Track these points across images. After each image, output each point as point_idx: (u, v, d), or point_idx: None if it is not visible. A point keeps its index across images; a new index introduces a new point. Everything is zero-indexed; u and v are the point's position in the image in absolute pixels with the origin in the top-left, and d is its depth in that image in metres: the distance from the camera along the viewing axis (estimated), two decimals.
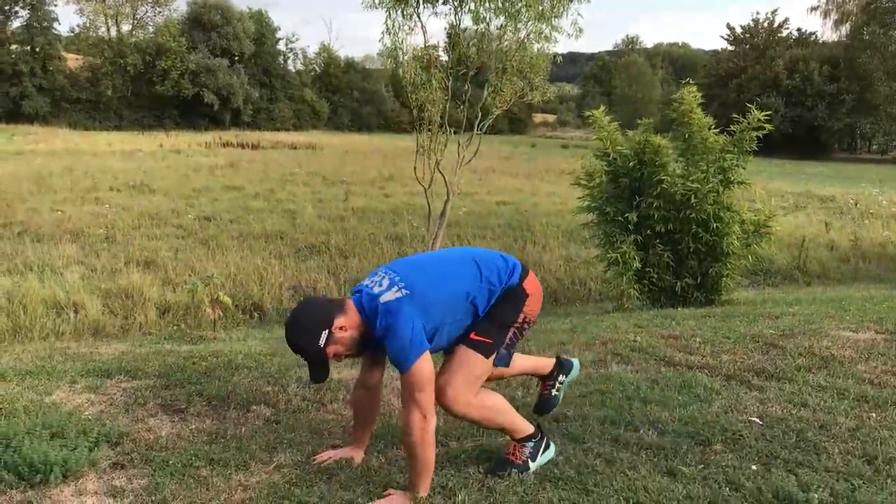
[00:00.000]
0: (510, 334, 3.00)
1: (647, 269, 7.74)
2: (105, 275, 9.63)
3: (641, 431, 3.45)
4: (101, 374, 4.26)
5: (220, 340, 6.24)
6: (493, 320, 2.96)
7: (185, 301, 8.42)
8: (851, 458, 3.15)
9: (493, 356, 2.94)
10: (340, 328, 2.81)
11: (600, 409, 3.74)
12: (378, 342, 2.85)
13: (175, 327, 7.60)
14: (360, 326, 2.85)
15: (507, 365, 3.05)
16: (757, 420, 3.59)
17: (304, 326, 2.82)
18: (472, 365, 2.91)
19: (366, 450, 3.24)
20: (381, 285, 2.88)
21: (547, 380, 3.43)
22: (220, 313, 8.05)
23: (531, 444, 3.05)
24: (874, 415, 3.67)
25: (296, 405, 3.81)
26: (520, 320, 3.02)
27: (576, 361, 3.51)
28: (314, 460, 3.15)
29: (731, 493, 2.86)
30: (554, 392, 3.42)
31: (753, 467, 3.07)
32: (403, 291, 2.82)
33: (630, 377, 4.27)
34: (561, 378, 3.43)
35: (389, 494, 2.84)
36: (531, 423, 3.13)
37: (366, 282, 2.96)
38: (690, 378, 4.22)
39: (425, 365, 2.76)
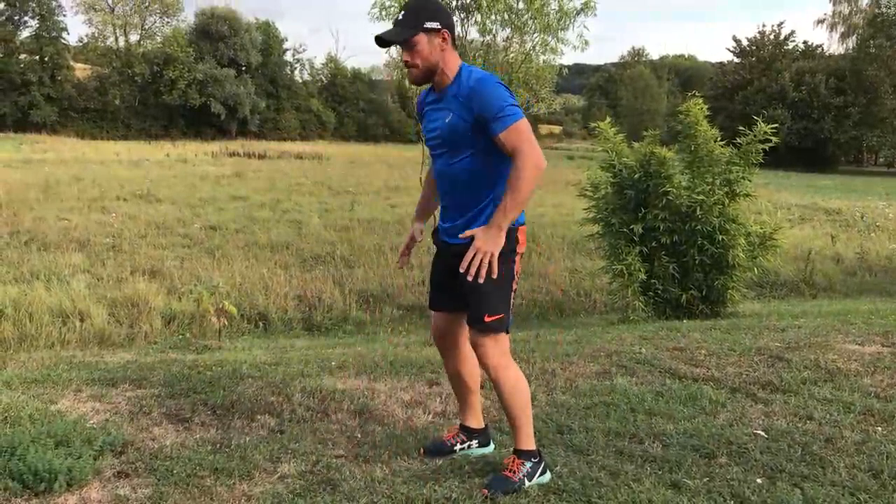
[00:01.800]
0: (511, 297, 3.00)
1: (653, 280, 7.73)
2: (111, 283, 9.66)
3: (646, 444, 3.44)
4: (107, 383, 4.27)
5: (225, 349, 6.26)
6: (497, 289, 2.89)
7: (191, 310, 8.45)
8: (857, 472, 3.14)
9: (508, 319, 2.97)
10: (444, 39, 2.84)
11: (605, 420, 3.73)
12: (448, 108, 2.87)
13: (180, 336, 7.62)
14: (450, 65, 2.88)
15: (510, 326, 3.02)
16: (762, 433, 3.58)
17: (437, 6, 2.85)
18: (496, 339, 2.94)
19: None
20: None
21: (463, 432, 3.37)
22: (226, 322, 8.08)
23: (530, 463, 3.00)
24: (880, 428, 3.65)
25: (300, 415, 3.81)
26: (515, 280, 3.00)
27: (492, 446, 3.39)
28: (400, 266, 3.33)
29: None
30: (458, 447, 3.33)
31: (759, 481, 3.06)
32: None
33: (635, 389, 4.26)
34: (475, 444, 3.36)
35: (477, 248, 2.73)
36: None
37: None
38: (695, 390, 4.21)
39: (527, 123, 2.76)
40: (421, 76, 2.90)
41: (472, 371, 3.27)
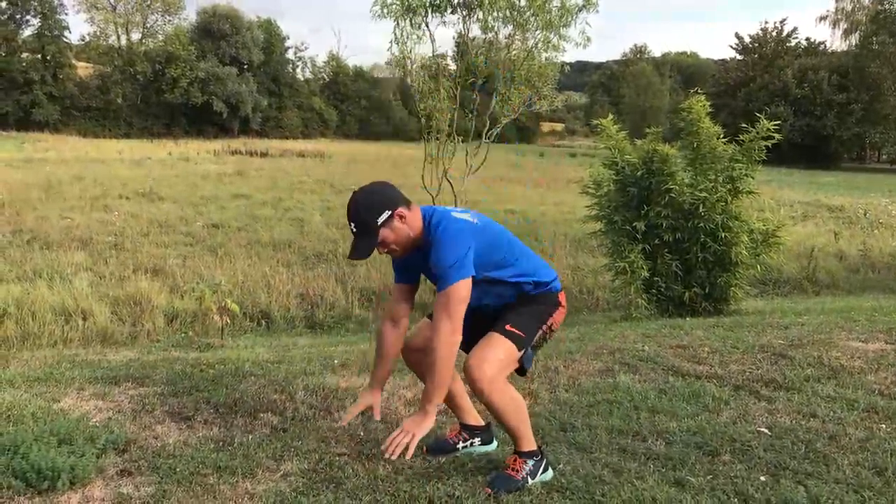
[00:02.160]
0: (539, 335, 3.04)
1: (655, 278, 7.72)
2: (113, 282, 9.66)
3: (649, 441, 3.44)
4: (109, 381, 4.27)
5: (227, 348, 6.26)
6: (529, 315, 3.02)
7: (193, 308, 8.45)
8: (861, 470, 3.13)
9: (523, 352, 2.97)
10: (401, 217, 2.88)
11: (608, 418, 3.73)
12: (427, 254, 2.91)
13: (183, 334, 7.62)
14: (417, 229, 2.93)
15: (529, 365, 3.05)
16: (765, 430, 3.57)
17: (373, 199, 2.89)
18: (503, 350, 2.93)
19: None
20: (457, 211, 3.02)
21: (465, 430, 3.39)
22: (228, 320, 8.08)
23: (532, 461, 3.00)
24: (884, 426, 3.65)
25: (303, 413, 3.80)
26: (548, 323, 3.08)
27: (495, 443, 3.42)
28: (341, 423, 3.22)
29: (739, 503, 2.84)
30: (461, 445, 3.36)
31: (762, 478, 3.05)
32: (476, 221, 2.96)
33: (638, 387, 4.26)
34: (477, 442, 3.38)
35: (400, 429, 2.83)
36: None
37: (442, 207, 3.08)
38: (698, 388, 4.20)
39: (466, 285, 2.82)
40: (404, 252, 2.99)
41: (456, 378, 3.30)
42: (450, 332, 2.79)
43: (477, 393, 2.90)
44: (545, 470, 3.03)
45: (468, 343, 2.97)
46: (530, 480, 2.96)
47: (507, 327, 2.96)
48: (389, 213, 2.85)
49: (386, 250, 2.94)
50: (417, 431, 2.81)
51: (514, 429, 3.00)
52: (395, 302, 3.21)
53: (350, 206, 2.90)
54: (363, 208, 2.87)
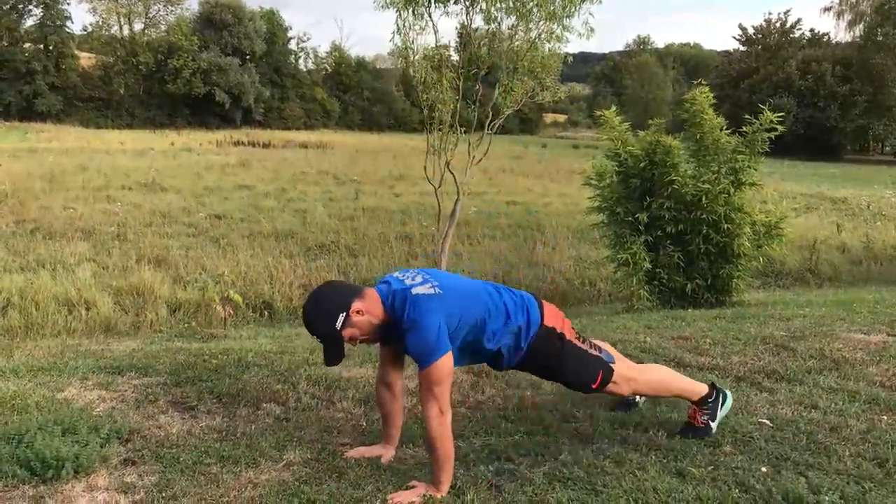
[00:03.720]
0: (585, 347, 3.21)
1: (658, 269, 7.72)
2: (116, 272, 9.68)
3: (651, 432, 3.44)
4: (113, 371, 4.28)
5: (230, 338, 6.27)
6: (567, 362, 3.18)
7: (196, 299, 8.46)
8: (862, 461, 3.14)
9: (606, 367, 3.18)
10: (357, 312, 2.87)
11: (610, 409, 3.74)
12: (400, 335, 2.90)
13: (186, 325, 7.64)
14: (379, 314, 2.92)
15: (611, 359, 3.20)
16: (767, 422, 3.58)
17: (323, 308, 2.89)
18: (617, 376, 3.24)
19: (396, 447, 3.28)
20: (413, 280, 2.97)
21: (697, 404, 3.42)
22: (231, 311, 8.09)
23: (707, 404, 3.31)
24: (885, 417, 3.65)
25: (306, 403, 3.82)
26: (570, 340, 3.19)
27: (728, 394, 3.51)
28: (345, 455, 3.17)
29: (740, 494, 2.85)
30: (710, 421, 3.40)
31: (763, 469, 3.06)
32: (437, 290, 2.91)
33: None
34: (710, 405, 3.41)
35: (413, 486, 2.87)
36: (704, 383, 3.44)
37: (395, 275, 3.04)
38: (701, 379, 4.19)
39: (446, 362, 2.82)
40: (376, 336, 3.00)
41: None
42: (438, 414, 2.83)
43: (642, 393, 3.45)
44: (724, 402, 3.38)
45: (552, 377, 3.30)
46: (713, 424, 3.33)
47: (594, 386, 3.21)
48: (344, 314, 2.85)
49: (358, 342, 2.96)
50: (416, 499, 2.81)
51: (675, 395, 3.40)
52: (384, 365, 3.23)
53: (305, 322, 2.94)
54: (318, 320, 2.89)
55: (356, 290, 2.95)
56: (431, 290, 2.90)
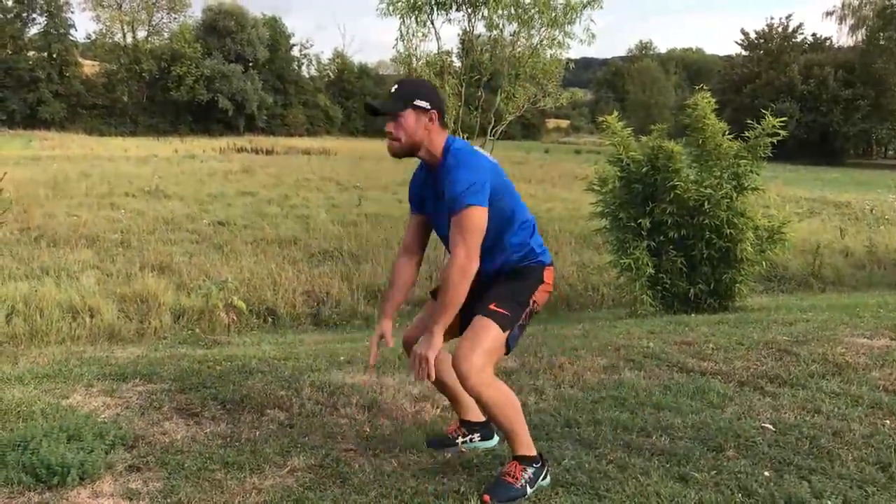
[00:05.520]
0: (524, 315, 2.98)
1: (661, 275, 7.72)
2: (120, 279, 9.70)
3: (654, 437, 3.45)
4: (117, 378, 4.30)
5: (234, 345, 6.29)
6: (513, 293, 2.96)
7: (200, 305, 8.48)
8: (865, 465, 3.14)
9: (509, 332, 2.90)
10: (430, 119, 2.89)
11: (613, 414, 3.74)
12: (434, 186, 2.93)
13: (189, 331, 7.66)
14: (434, 144, 2.93)
15: (514, 345, 2.97)
16: (770, 426, 3.58)
17: (425, 87, 2.96)
18: (489, 334, 2.85)
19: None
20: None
21: (464, 426, 3.38)
22: (235, 318, 8.12)
23: (533, 468, 2.92)
24: (888, 422, 3.65)
25: (309, 409, 3.83)
26: (532, 301, 3.01)
27: (496, 438, 3.40)
28: (368, 368, 3.05)
29: (743, 499, 2.85)
30: (460, 440, 3.35)
31: (766, 473, 3.06)
32: (494, 161, 2.96)
33: (643, 383, 4.27)
34: (477, 437, 3.37)
35: (416, 355, 2.82)
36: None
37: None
38: (703, 384, 4.21)
39: (481, 213, 2.78)
40: (400, 150, 2.96)
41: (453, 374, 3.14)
42: (465, 257, 2.76)
43: (467, 388, 2.83)
44: (545, 477, 2.96)
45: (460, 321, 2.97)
46: (529, 489, 2.88)
47: (492, 307, 2.90)
48: (428, 106, 2.88)
49: (392, 134, 2.91)
50: (428, 353, 2.77)
51: (508, 429, 2.91)
52: (410, 234, 3.22)
53: (401, 81, 2.97)
54: (414, 85, 2.95)
55: (446, 123, 2.99)
56: (490, 157, 2.96)
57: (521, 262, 3.03)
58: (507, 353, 2.98)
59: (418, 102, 2.87)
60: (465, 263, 2.75)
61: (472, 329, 2.88)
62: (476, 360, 2.79)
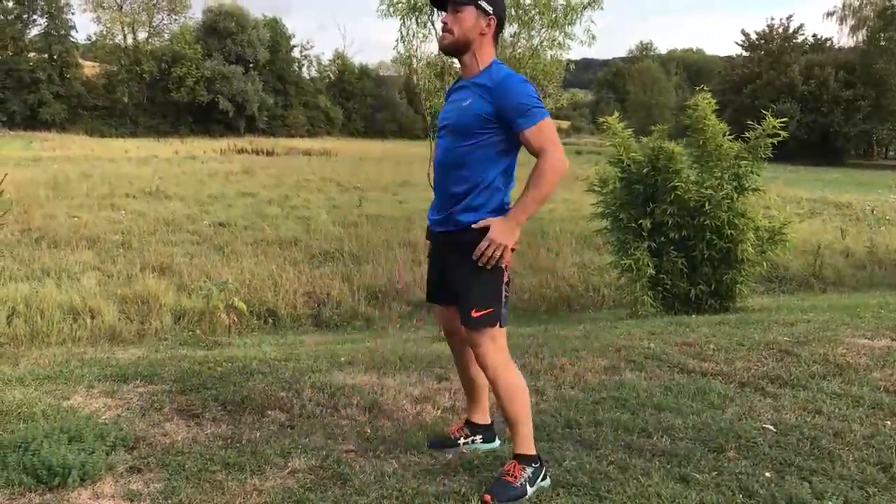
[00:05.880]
0: (503, 293, 2.94)
1: (661, 275, 7.72)
2: (121, 280, 9.70)
3: (655, 438, 3.45)
4: (118, 379, 4.30)
5: (234, 346, 6.29)
6: (484, 283, 2.89)
7: (201, 307, 8.48)
8: (866, 466, 3.14)
9: (498, 321, 2.91)
10: (488, 24, 2.90)
11: (614, 415, 3.74)
12: (489, 90, 2.84)
13: (190, 333, 7.66)
14: (485, 49, 2.93)
15: (505, 323, 2.96)
16: (771, 427, 3.58)
17: None
18: (487, 339, 2.90)
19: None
20: None
21: (467, 426, 3.39)
22: (235, 319, 8.12)
23: (532, 468, 2.92)
24: (889, 422, 3.65)
25: (310, 410, 3.83)
26: (503, 275, 2.94)
27: (498, 441, 3.43)
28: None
29: (744, 499, 2.85)
30: (461, 441, 3.35)
31: (767, 474, 3.06)
32: None
33: (643, 384, 4.27)
34: (479, 439, 3.38)
35: (492, 240, 2.81)
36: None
37: None
38: (704, 385, 4.21)
39: (553, 125, 2.81)
40: (450, 46, 2.95)
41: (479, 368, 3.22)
42: (559, 158, 2.78)
43: (485, 368, 2.93)
44: (544, 478, 2.97)
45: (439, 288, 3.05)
46: (529, 489, 2.88)
47: (474, 314, 2.89)
48: (491, 10, 2.88)
49: (447, 26, 2.91)
50: (508, 242, 2.80)
51: (514, 420, 2.94)
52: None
53: None
54: None
55: (501, 37, 2.98)
56: None
57: (489, 213, 2.90)
58: (501, 325, 2.96)
59: (482, 3, 2.86)
60: (560, 164, 2.78)
61: (470, 341, 2.96)
62: (488, 344, 2.89)
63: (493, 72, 2.88)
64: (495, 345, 2.91)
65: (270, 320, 8.96)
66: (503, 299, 2.94)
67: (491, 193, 2.91)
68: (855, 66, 54.97)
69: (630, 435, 3.49)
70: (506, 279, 2.96)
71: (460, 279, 2.92)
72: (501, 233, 2.80)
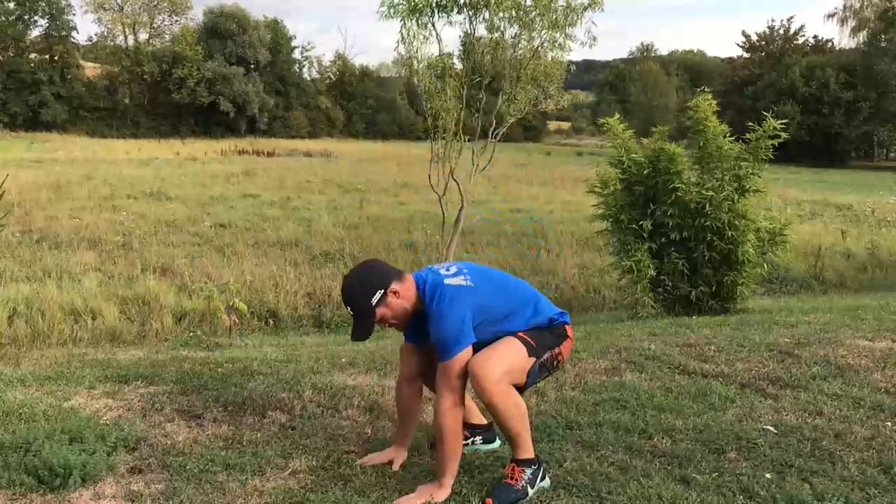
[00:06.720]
0: (547, 355, 3.02)
1: (662, 277, 7.72)
2: (122, 281, 9.71)
3: (655, 439, 3.45)
4: (119, 380, 4.30)
5: (235, 347, 6.29)
6: (540, 335, 3.03)
7: (202, 308, 8.48)
8: (867, 467, 3.14)
9: (533, 360, 2.96)
10: (395, 293, 2.94)
11: (614, 416, 3.74)
12: (424, 323, 2.95)
13: (191, 334, 7.66)
14: (413, 299, 2.98)
15: (533, 382, 3.03)
16: (771, 428, 3.58)
17: (363, 282, 2.96)
18: (513, 353, 2.93)
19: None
20: (448, 270, 3.03)
21: (465, 428, 3.35)
22: (236, 320, 8.12)
23: (531, 469, 2.94)
24: (890, 423, 3.65)
25: (311, 411, 3.83)
26: (556, 352, 3.06)
27: (498, 441, 3.43)
28: (359, 463, 3.16)
29: (745, 501, 2.85)
30: (528, 486, 3.30)
31: (768, 476, 3.06)
32: (468, 282, 2.96)
33: (644, 385, 4.27)
34: (479, 440, 3.40)
35: (418, 493, 2.87)
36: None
37: (433, 266, 3.12)
38: (705, 386, 4.21)
39: (466, 355, 2.86)
40: (405, 324, 3.06)
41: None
42: (452, 405, 2.86)
43: (479, 392, 2.86)
44: (543, 478, 2.98)
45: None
46: (530, 490, 2.90)
47: (520, 334, 2.98)
48: (382, 292, 2.93)
49: (387, 325, 3.02)
50: (425, 499, 2.84)
51: (515, 435, 2.94)
52: (406, 362, 3.26)
53: (343, 291, 3.00)
54: (355, 292, 2.95)
55: (397, 272, 3.01)
56: (463, 282, 2.96)
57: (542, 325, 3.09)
58: (523, 388, 3.00)
59: (374, 300, 2.92)
60: (455, 411, 2.88)
61: (499, 344, 2.95)
62: (495, 370, 2.85)
63: (426, 301, 2.97)
64: (503, 375, 2.90)
65: (271, 321, 8.97)
66: (544, 357, 3.03)
67: (532, 322, 3.07)
68: (856, 68, 54.94)
69: (631, 436, 3.49)
70: (553, 353, 3.05)
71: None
72: (426, 491, 2.87)
